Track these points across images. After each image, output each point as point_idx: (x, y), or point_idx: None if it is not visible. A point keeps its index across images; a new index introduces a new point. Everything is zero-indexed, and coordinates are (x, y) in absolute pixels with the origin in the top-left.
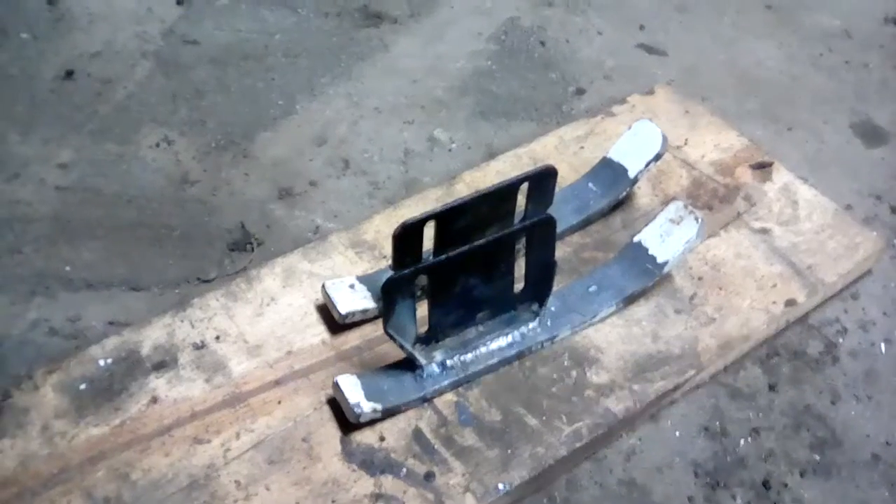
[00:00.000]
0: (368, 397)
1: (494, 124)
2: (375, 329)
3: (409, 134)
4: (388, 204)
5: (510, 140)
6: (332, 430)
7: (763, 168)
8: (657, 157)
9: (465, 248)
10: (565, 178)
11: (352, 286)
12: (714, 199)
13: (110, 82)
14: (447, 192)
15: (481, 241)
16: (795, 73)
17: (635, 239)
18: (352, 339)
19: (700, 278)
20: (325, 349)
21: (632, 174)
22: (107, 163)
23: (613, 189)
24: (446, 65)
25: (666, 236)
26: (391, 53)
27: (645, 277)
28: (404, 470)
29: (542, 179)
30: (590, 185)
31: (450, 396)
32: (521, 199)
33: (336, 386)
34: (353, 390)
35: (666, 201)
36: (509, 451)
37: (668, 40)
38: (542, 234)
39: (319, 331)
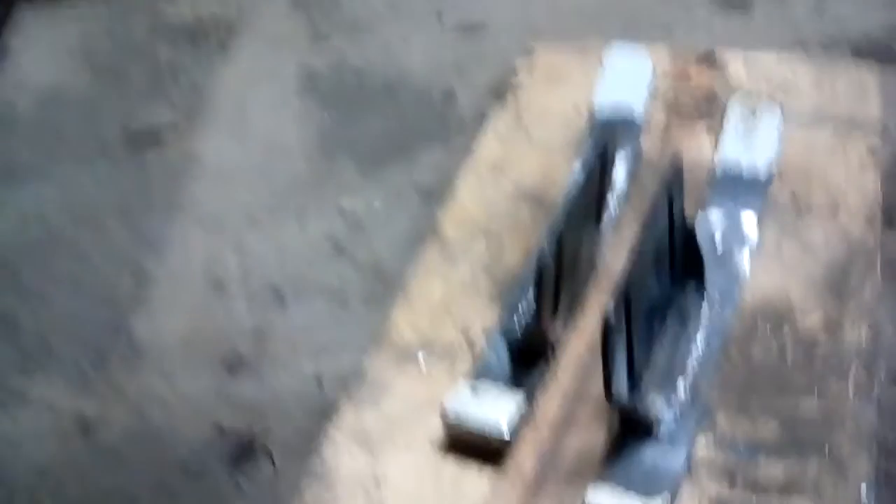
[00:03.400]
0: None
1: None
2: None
3: None
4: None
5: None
6: None
7: (711, 60)
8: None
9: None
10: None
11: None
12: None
13: None
14: None
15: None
16: None
17: (717, 162)
18: (523, 458)
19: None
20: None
21: (637, 111)
22: None
23: (629, 138)
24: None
25: (748, 140)
26: None
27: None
28: None
29: None
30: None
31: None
32: None
33: None
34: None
35: (680, 121)
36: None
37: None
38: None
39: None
